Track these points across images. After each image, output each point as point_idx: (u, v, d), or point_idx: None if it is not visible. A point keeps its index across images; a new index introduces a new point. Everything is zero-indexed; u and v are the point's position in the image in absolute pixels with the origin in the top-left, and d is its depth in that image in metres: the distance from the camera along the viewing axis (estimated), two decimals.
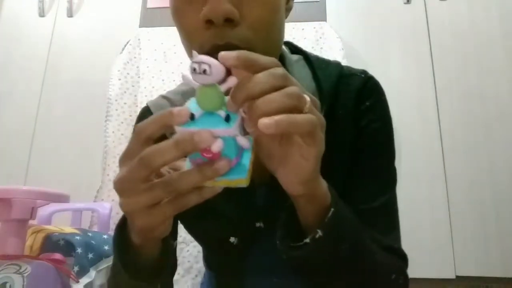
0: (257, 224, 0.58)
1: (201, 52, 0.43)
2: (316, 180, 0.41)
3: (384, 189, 0.56)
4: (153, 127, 0.34)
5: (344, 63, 1.36)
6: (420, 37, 1.51)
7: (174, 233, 0.64)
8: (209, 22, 0.44)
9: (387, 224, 0.55)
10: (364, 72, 0.60)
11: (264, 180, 0.54)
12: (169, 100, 0.65)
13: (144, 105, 1.62)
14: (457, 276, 1.27)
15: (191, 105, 0.34)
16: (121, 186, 0.35)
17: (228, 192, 0.46)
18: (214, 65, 0.31)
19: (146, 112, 0.66)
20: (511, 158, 1.32)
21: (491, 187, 1.31)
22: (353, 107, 0.56)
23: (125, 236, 0.43)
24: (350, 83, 0.57)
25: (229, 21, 0.44)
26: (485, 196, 1.30)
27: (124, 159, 0.36)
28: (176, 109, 0.33)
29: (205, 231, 0.61)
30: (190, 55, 0.48)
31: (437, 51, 1.49)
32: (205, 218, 0.58)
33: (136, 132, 0.35)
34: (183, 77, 0.34)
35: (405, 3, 1.54)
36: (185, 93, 0.65)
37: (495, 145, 1.34)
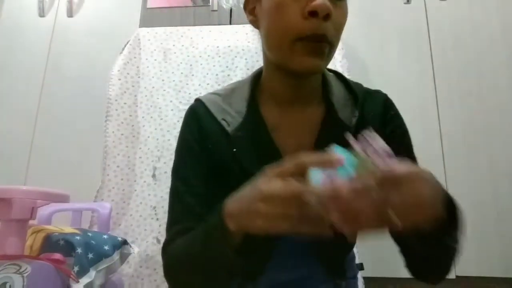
0: None
1: (300, 38, 0.57)
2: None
3: None
4: (316, 163, 0.44)
5: (344, 63, 1.37)
6: (420, 37, 1.52)
7: None
8: (313, 14, 0.56)
9: None
10: (380, 90, 0.75)
11: None
12: (220, 96, 0.73)
13: (143, 105, 1.61)
14: (457, 276, 1.27)
15: (337, 150, 0.45)
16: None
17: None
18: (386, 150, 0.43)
19: (200, 105, 0.73)
20: (511, 158, 1.32)
21: (491, 187, 1.31)
22: (380, 115, 0.70)
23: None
24: (376, 97, 0.72)
25: (327, 17, 0.56)
26: (485, 196, 1.30)
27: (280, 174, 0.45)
28: (335, 157, 0.43)
29: None
30: (280, 44, 0.61)
31: (437, 51, 1.49)
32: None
33: (298, 161, 0.45)
34: (352, 141, 0.45)
35: (405, 3, 1.54)
36: (234, 90, 0.75)
37: (495, 145, 1.34)
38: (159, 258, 1.24)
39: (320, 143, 0.66)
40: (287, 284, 0.68)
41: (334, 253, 0.71)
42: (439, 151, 1.36)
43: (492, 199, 1.30)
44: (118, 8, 1.69)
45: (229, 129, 0.67)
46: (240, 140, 0.67)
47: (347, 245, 0.75)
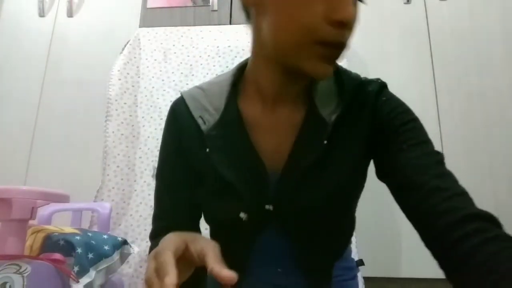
0: (267, 207, 0.63)
1: (321, 42, 0.53)
2: None
3: (433, 145, 0.63)
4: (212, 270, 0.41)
5: (344, 63, 1.37)
6: (420, 37, 1.51)
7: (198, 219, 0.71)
8: (340, 23, 0.52)
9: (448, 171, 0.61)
10: (379, 78, 0.69)
11: (277, 167, 0.63)
12: (204, 90, 0.69)
13: (143, 105, 1.61)
14: None
15: None
16: None
17: (244, 173, 0.61)
18: None
19: (181, 102, 0.70)
20: (511, 158, 1.32)
21: (491, 187, 1.31)
22: (372, 103, 0.64)
23: None
24: (369, 87, 0.66)
25: (349, 25, 0.54)
26: (485, 196, 1.30)
27: None
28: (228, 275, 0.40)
29: (218, 206, 0.65)
30: (294, 43, 0.55)
31: (437, 51, 1.49)
32: (220, 194, 0.64)
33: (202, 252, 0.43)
34: None
35: (405, 3, 1.54)
36: (216, 84, 0.70)
37: (495, 145, 1.34)
38: None
39: (299, 143, 0.63)
40: None
41: (319, 264, 0.68)
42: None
43: (492, 199, 1.30)
44: (118, 8, 1.69)
45: (204, 127, 0.64)
46: (214, 140, 0.64)
47: (334, 255, 0.71)
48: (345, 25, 0.52)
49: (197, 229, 0.69)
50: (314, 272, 0.67)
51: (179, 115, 0.68)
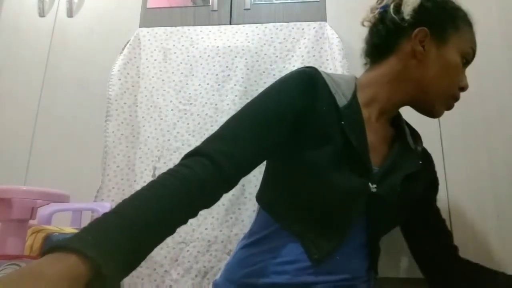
0: (374, 189, 0.76)
1: (453, 97, 0.88)
2: None
3: None
4: None
5: (344, 63, 1.37)
6: None
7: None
8: (463, 89, 0.88)
9: None
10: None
11: (377, 163, 0.80)
12: (330, 76, 0.80)
13: (143, 105, 1.60)
14: None
15: None
16: None
17: (351, 163, 0.75)
18: None
19: (318, 74, 0.78)
20: (511, 158, 1.32)
21: (491, 187, 1.31)
22: (433, 165, 1.05)
23: None
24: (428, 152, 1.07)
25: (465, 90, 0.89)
26: (485, 196, 1.30)
27: None
28: None
29: (346, 174, 0.75)
30: (440, 92, 0.85)
31: None
32: (349, 164, 0.75)
33: None
34: None
35: None
36: (343, 78, 0.85)
37: (495, 145, 1.34)
38: (159, 258, 1.24)
39: (391, 155, 0.83)
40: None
41: (376, 252, 0.84)
42: (439, 151, 1.36)
43: (492, 199, 1.30)
44: (118, 8, 1.69)
45: (339, 103, 0.76)
46: (347, 117, 0.75)
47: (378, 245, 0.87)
48: (465, 90, 0.88)
49: (244, 171, 0.69)
50: (374, 259, 0.84)
51: (318, 83, 0.77)
